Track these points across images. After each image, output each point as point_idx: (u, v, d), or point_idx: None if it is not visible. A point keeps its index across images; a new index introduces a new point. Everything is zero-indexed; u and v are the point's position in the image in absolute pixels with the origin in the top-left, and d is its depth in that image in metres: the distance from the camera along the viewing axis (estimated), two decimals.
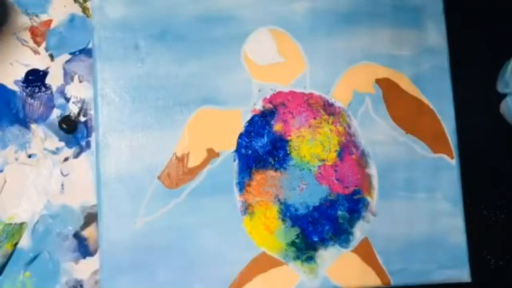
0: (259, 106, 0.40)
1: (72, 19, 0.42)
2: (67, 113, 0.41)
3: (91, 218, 0.40)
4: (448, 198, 0.41)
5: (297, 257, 0.39)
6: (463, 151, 0.41)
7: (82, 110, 0.42)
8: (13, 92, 0.41)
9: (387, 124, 0.41)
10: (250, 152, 0.40)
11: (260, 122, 0.40)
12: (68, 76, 0.42)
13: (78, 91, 0.42)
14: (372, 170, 0.40)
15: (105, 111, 0.39)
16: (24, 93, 0.41)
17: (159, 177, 0.39)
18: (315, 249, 0.39)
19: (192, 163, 0.39)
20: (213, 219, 0.39)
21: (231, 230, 0.39)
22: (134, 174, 0.39)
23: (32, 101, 0.41)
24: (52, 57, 0.42)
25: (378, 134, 0.41)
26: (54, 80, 0.42)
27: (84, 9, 0.42)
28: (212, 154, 0.40)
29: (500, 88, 0.45)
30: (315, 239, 0.39)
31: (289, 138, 0.40)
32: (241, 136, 0.40)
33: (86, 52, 0.42)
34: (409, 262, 0.40)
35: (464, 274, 0.40)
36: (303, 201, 0.40)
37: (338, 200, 0.40)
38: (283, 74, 0.41)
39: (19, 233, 0.39)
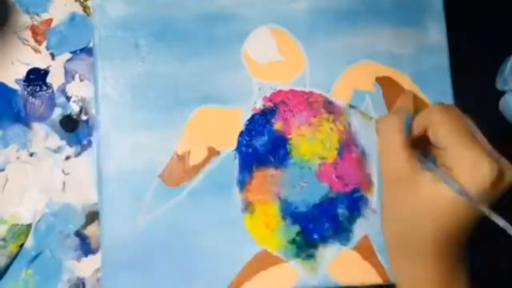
0: (259, 105, 0.40)
1: (72, 18, 0.42)
2: (68, 112, 0.41)
3: (92, 216, 0.41)
4: None
5: (297, 255, 0.39)
6: None
7: (83, 109, 0.42)
8: (14, 91, 0.41)
9: None
10: (250, 150, 0.40)
11: (260, 121, 0.40)
12: (69, 75, 0.42)
13: (79, 90, 0.42)
14: (372, 169, 0.40)
15: (106, 109, 0.40)
16: (25, 92, 0.41)
17: (160, 176, 0.39)
18: (315, 247, 0.40)
19: (193, 161, 0.39)
20: (214, 217, 0.39)
21: (232, 228, 0.39)
22: (135, 173, 0.39)
23: (33, 100, 0.41)
24: (53, 56, 0.42)
25: None
26: (55, 79, 0.42)
27: (85, 8, 0.42)
28: (212, 152, 0.40)
29: (499, 85, 0.45)
30: (316, 236, 0.40)
31: (289, 136, 0.40)
32: (241, 134, 0.40)
33: (87, 51, 0.42)
34: None
35: None
36: (303, 199, 0.40)
37: (338, 198, 0.40)
38: (283, 73, 0.41)
39: (25, 234, 0.39)
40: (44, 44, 0.42)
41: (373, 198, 0.40)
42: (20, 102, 0.41)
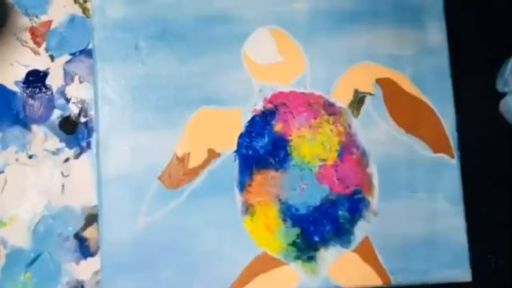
0: (259, 106, 0.40)
1: (72, 19, 0.42)
2: (67, 114, 0.41)
3: (92, 218, 0.40)
4: (449, 197, 0.41)
5: (298, 257, 0.39)
6: (464, 151, 0.41)
7: (83, 111, 0.42)
8: (14, 93, 0.41)
9: (388, 124, 0.41)
10: (250, 152, 0.40)
11: (260, 122, 0.40)
12: (68, 77, 0.42)
13: (78, 91, 0.42)
14: (373, 170, 0.40)
15: (105, 111, 0.39)
16: (25, 94, 0.41)
17: (159, 178, 0.39)
18: (316, 249, 0.39)
19: (192, 163, 0.39)
20: (213, 219, 0.39)
21: (232, 230, 0.39)
22: (135, 175, 0.39)
23: (32, 101, 0.41)
24: (52, 57, 0.42)
25: (378, 134, 0.41)
26: (54, 80, 0.42)
27: (84, 10, 0.42)
28: (212, 154, 0.40)
29: (500, 87, 0.45)
30: (316, 239, 0.39)
31: (289, 138, 0.40)
32: (241, 136, 0.40)
33: (86, 52, 0.42)
34: (410, 262, 0.40)
35: (464, 274, 0.40)
36: (303, 201, 0.40)
37: (338, 200, 0.40)
38: (284, 74, 0.41)
39: None
40: (44, 45, 0.42)
41: (374, 200, 0.40)
42: (19, 104, 0.41)
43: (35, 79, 0.41)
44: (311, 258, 0.39)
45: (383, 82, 0.41)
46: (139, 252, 0.38)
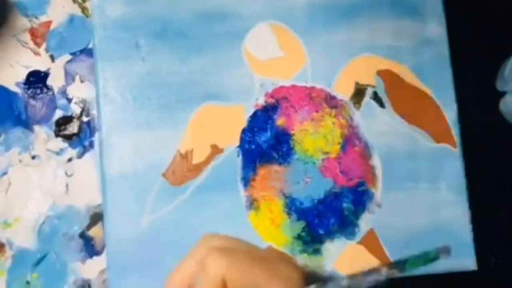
0: (261, 101, 0.40)
1: (71, 19, 0.42)
2: (69, 114, 0.41)
3: (96, 217, 0.40)
4: (452, 187, 0.41)
5: (303, 250, 0.39)
6: (466, 140, 0.41)
7: (85, 110, 0.42)
8: (15, 94, 0.41)
9: (389, 115, 0.41)
10: (253, 147, 0.40)
11: (263, 117, 0.40)
12: (69, 77, 0.42)
13: (80, 91, 0.42)
14: (376, 162, 0.40)
15: (107, 110, 0.39)
16: (26, 95, 0.41)
17: (163, 175, 0.39)
18: (321, 242, 0.39)
19: (196, 159, 0.39)
20: (218, 215, 0.39)
21: (237, 225, 0.39)
22: (139, 172, 0.39)
23: (34, 102, 0.41)
24: (52, 58, 0.42)
25: (380, 125, 0.41)
26: (55, 81, 0.42)
27: (83, 9, 0.42)
28: (216, 150, 0.40)
29: (499, 86, 0.45)
30: (321, 232, 0.40)
31: (292, 132, 0.40)
32: (244, 131, 0.40)
33: (87, 52, 0.42)
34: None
35: (469, 263, 0.40)
36: (308, 195, 0.40)
37: (342, 193, 0.40)
38: (284, 68, 0.41)
39: None
40: (44, 46, 0.42)
41: (378, 192, 0.40)
42: (21, 105, 0.41)
43: (36, 80, 0.41)
44: (316, 251, 0.39)
45: (384, 74, 0.41)
46: (145, 250, 0.38)
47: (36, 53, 0.42)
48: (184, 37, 0.40)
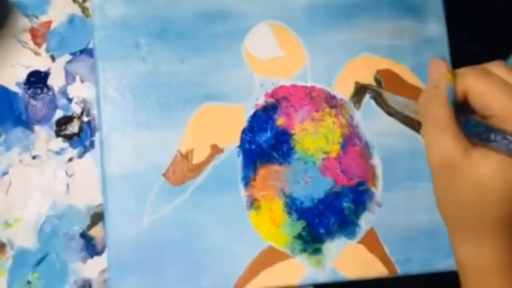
0: (261, 101, 0.40)
1: (71, 19, 0.42)
2: (69, 114, 0.41)
3: (97, 217, 0.40)
4: None
5: (304, 250, 0.39)
6: None
7: (85, 110, 0.42)
8: (15, 94, 0.41)
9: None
10: (254, 147, 0.40)
11: (263, 117, 0.40)
12: (69, 77, 0.42)
13: (80, 91, 0.42)
14: (376, 161, 0.40)
15: (108, 110, 0.39)
16: (26, 95, 0.41)
17: (164, 174, 0.39)
18: (321, 241, 0.40)
19: (196, 159, 0.39)
20: (219, 214, 0.39)
21: (238, 225, 0.39)
22: (139, 172, 0.39)
23: (34, 102, 0.41)
24: (53, 58, 0.42)
25: (380, 125, 0.41)
26: (55, 81, 0.42)
27: (84, 9, 0.42)
28: (216, 150, 0.40)
29: None
30: (322, 231, 0.40)
31: (292, 131, 0.40)
32: (244, 131, 0.40)
33: (87, 52, 0.42)
34: (415, 251, 0.40)
35: None
36: (308, 194, 0.40)
37: (343, 192, 0.40)
38: (284, 68, 0.41)
39: None
40: (44, 46, 0.42)
41: (378, 191, 0.40)
42: (21, 105, 0.41)
43: (37, 80, 0.41)
44: (317, 251, 0.39)
45: (383, 73, 0.41)
46: (145, 249, 0.38)
47: (37, 53, 0.42)
48: (184, 37, 0.40)
